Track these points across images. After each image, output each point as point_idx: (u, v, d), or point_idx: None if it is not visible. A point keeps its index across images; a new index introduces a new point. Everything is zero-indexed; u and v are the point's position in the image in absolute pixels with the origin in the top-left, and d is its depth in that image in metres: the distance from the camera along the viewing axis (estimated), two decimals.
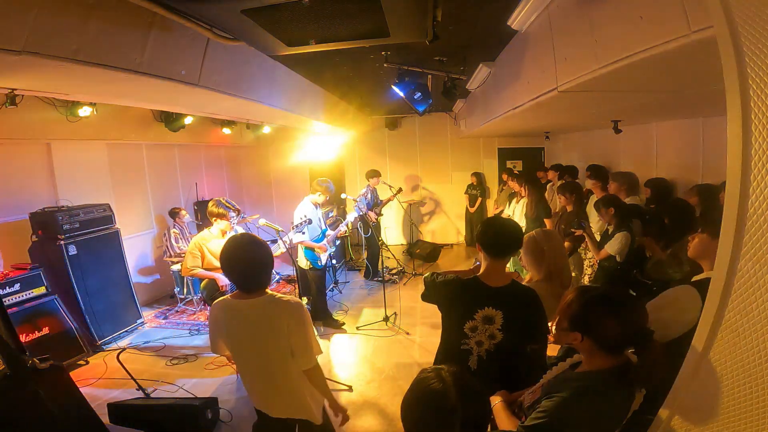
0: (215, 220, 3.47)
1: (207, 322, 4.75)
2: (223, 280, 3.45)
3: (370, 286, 6.33)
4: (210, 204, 3.52)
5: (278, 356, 1.80)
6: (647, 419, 1.35)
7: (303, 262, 4.58)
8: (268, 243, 3.53)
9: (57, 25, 1.83)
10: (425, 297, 2.06)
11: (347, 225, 5.24)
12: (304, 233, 4.45)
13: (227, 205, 3.48)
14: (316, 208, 4.61)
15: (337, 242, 4.99)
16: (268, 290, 1.83)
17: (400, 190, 6.83)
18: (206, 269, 3.51)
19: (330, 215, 6.66)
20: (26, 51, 1.75)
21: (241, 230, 3.73)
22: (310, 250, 4.54)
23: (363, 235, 6.60)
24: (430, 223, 9.03)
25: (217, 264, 3.50)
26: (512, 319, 1.79)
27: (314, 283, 4.73)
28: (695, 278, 1.72)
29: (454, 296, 1.88)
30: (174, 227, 5.75)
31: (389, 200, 6.65)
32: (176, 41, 2.49)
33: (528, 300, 1.84)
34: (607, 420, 1.22)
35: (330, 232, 4.82)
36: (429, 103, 3.99)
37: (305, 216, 4.32)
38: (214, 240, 3.56)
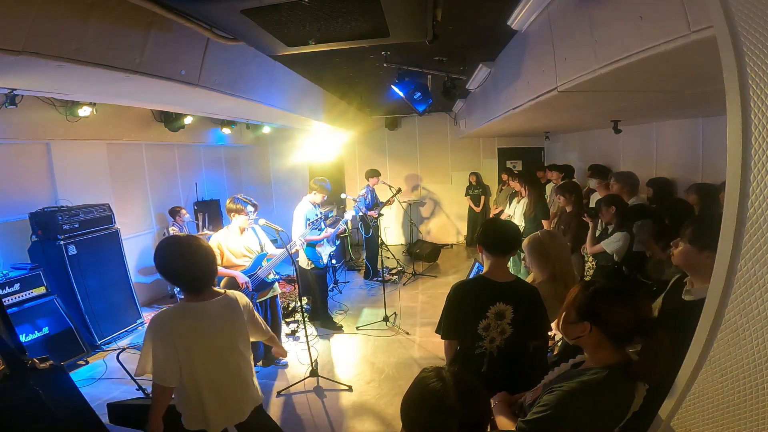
0: (233, 216, 3.51)
1: None
2: (242, 278, 3.47)
3: (370, 286, 6.33)
4: (228, 201, 3.56)
5: (243, 349, 1.86)
6: (647, 422, 1.35)
7: (304, 262, 4.58)
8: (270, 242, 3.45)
9: (57, 25, 1.82)
10: (448, 331, 1.94)
11: (347, 223, 5.25)
12: (320, 229, 4.48)
13: (244, 200, 3.50)
14: (315, 207, 4.60)
15: (337, 242, 4.98)
16: (216, 289, 1.85)
17: (399, 190, 6.82)
18: (225, 267, 3.53)
19: (330, 215, 6.64)
20: (26, 51, 1.75)
21: (259, 227, 3.73)
22: (312, 250, 4.53)
23: (363, 235, 6.61)
24: (430, 223, 9.04)
25: (236, 261, 3.56)
26: (521, 313, 1.85)
27: (317, 284, 4.72)
28: (697, 298, 1.61)
29: (465, 301, 1.88)
30: (173, 225, 5.75)
31: (389, 201, 6.62)
32: (176, 41, 2.48)
33: (533, 297, 1.91)
34: (607, 415, 1.22)
35: (330, 230, 4.82)
36: (429, 103, 3.99)
37: (320, 213, 4.39)
38: (232, 237, 3.60)
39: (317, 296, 4.80)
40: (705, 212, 3.17)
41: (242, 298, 1.91)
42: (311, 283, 4.75)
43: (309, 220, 4.34)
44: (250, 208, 3.51)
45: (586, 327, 1.26)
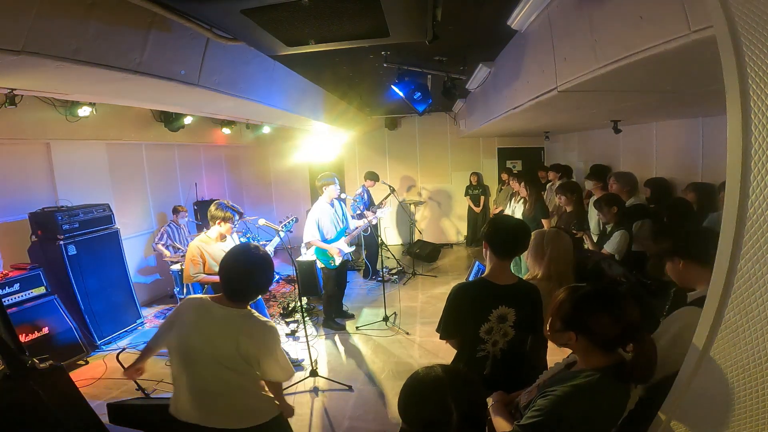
0: (219, 223, 3.31)
1: None
2: None
3: (370, 286, 6.34)
4: (213, 207, 3.32)
5: (231, 368, 1.72)
6: (645, 421, 1.35)
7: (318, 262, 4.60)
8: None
9: (57, 25, 1.82)
10: (446, 331, 1.93)
11: (378, 219, 5.25)
12: (355, 228, 4.52)
13: (232, 207, 3.33)
14: (332, 204, 4.57)
15: (353, 247, 4.87)
16: (249, 308, 1.79)
17: (392, 189, 6.82)
18: (207, 274, 3.37)
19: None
20: (26, 51, 1.75)
21: (235, 236, 3.63)
22: (321, 251, 4.53)
23: (363, 234, 6.62)
24: (430, 223, 9.03)
25: (218, 269, 3.40)
26: (523, 315, 1.84)
27: (328, 282, 4.72)
28: (691, 300, 1.58)
29: (466, 303, 1.87)
30: (168, 225, 5.72)
31: (383, 202, 6.67)
32: (176, 41, 2.49)
33: (535, 297, 1.90)
34: (602, 418, 1.23)
35: (356, 223, 4.77)
36: (429, 103, 3.99)
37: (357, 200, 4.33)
38: (213, 244, 3.40)
39: (326, 294, 4.80)
40: (698, 213, 3.17)
41: (262, 332, 1.74)
42: (324, 281, 4.77)
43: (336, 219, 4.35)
44: (236, 217, 3.35)
45: (571, 336, 1.26)
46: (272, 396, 1.90)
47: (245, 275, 1.74)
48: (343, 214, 4.74)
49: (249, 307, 1.80)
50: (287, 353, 2.17)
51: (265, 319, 1.79)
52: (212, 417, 1.76)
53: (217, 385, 1.74)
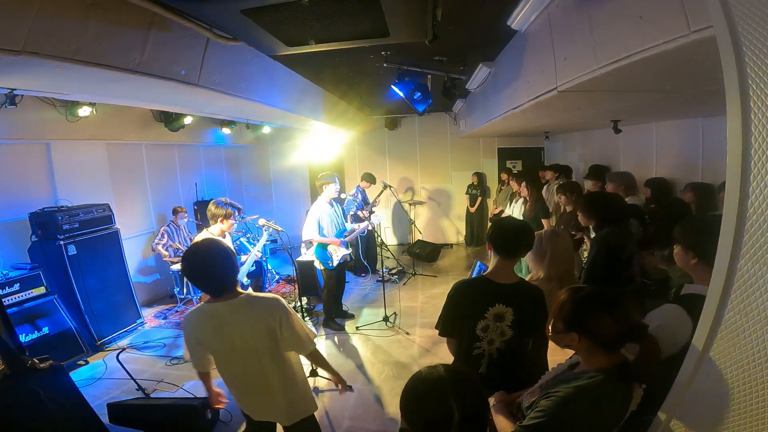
0: (221, 221, 3.31)
1: None
2: None
3: (370, 286, 6.34)
4: (211, 206, 3.33)
5: (268, 354, 1.79)
6: (646, 421, 1.35)
7: (316, 262, 4.58)
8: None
9: (56, 25, 1.83)
10: (445, 328, 1.95)
11: (374, 225, 5.23)
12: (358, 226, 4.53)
13: (231, 204, 3.34)
14: (332, 204, 4.57)
15: (350, 248, 4.86)
16: (239, 289, 1.82)
17: (385, 187, 6.82)
18: None
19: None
20: (26, 51, 1.75)
21: (228, 237, 3.65)
22: (321, 250, 4.52)
23: (359, 235, 6.61)
24: (429, 223, 9.03)
25: None
26: (522, 316, 1.82)
27: (327, 283, 4.71)
28: (683, 293, 1.63)
29: (465, 300, 1.87)
30: (167, 226, 5.72)
31: (377, 199, 6.67)
32: (176, 41, 2.49)
33: (536, 298, 1.88)
34: (605, 419, 1.22)
35: (353, 226, 4.75)
36: (429, 103, 3.99)
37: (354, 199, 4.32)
38: None
39: (326, 296, 4.79)
40: (697, 213, 3.17)
41: (271, 304, 1.81)
42: (324, 281, 4.77)
43: (338, 217, 4.35)
44: (236, 213, 3.36)
45: (574, 337, 1.26)
46: (310, 393, 2.01)
47: (200, 267, 1.75)
48: (342, 215, 4.75)
49: (241, 291, 1.82)
50: None
51: (262, 295, 1.84)
52: (258, 412, 1.93)
53: (255, 381, 1.85)
